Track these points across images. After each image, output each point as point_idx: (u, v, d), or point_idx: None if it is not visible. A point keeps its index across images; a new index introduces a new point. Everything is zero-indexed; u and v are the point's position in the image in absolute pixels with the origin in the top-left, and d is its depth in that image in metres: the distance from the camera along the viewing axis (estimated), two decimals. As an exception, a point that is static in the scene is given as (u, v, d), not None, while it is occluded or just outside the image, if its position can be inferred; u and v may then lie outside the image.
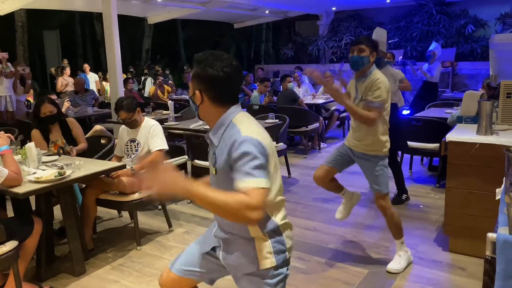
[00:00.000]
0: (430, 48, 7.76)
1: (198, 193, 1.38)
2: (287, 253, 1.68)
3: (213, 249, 1.79)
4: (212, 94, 1.57)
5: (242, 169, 1.44)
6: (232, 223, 1.61)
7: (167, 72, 12.87)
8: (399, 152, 5.24)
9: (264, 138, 1.54)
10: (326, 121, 7.72)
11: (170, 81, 10.89)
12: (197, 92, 1.58)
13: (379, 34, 4.38)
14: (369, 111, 2.81)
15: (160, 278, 1.92)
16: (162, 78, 9.65)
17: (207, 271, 1.84)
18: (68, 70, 9.66)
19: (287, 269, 1.71)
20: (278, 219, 1.66)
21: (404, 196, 4.52)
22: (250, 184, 1.40)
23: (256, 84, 8.92)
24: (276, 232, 1.65)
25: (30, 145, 3.19)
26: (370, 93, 2.82)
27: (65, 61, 10.18)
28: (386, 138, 2.94)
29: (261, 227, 1.60)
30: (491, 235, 1.33)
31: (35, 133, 3.84)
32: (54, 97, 5.71)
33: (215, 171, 1.58)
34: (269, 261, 1.62)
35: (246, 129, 1.52)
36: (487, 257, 1.34)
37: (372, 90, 2.81)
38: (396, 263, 3.06)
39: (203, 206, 1.43)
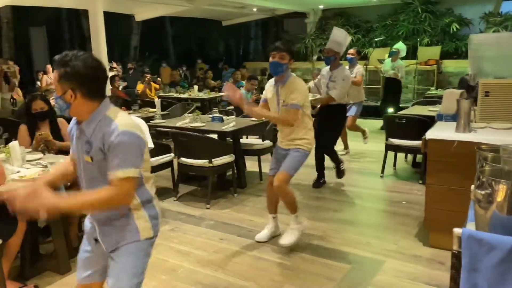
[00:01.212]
0: (396, 46, 7.94)
1: (70, 205, 1.70)
2: (159, 219, 1.93)
3: (95, 240, 1.91)
4: (84, 90, 1.69)
5: (114, 161, 1.65)
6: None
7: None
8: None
9: (139, 129, 1.73)
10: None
11: (158, 78, 10.86)
12: (69, 91, 1.68)
13: (336, 34, 4.70)
14: (288, 113, 3.18)
15: None
16: (150, 76, 9.62)
17: (102, 266, 1.93)
18: (50, 68, 9.60)
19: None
20: (150, 190, 1.89)
21: (342, 165, 5.00)
22: (120, 175, 1.65)
23: (243, 82, 8.94)
24: (149, 200, 1.88)
25: (14, 144, 3.19)
26: (291, 95, 3.17)
27: (49, 66, 10.10)
28: (309, 136, 3.34)
29: (137, 198, 1.82)
30: (457, 230, 1.39)
31: (22, 128, 3.84)
32: None
33: (91, 159, 1.73)
34: (147, 231, 1.85)
35: (123, 122, 1.70)
36: (453, 251, 1.40)
37: (293, 93, 3.17)
38: (287, 237, 3.36)
39: (83, 212, 1.63)
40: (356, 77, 5.99)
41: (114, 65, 11.32)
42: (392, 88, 7.89)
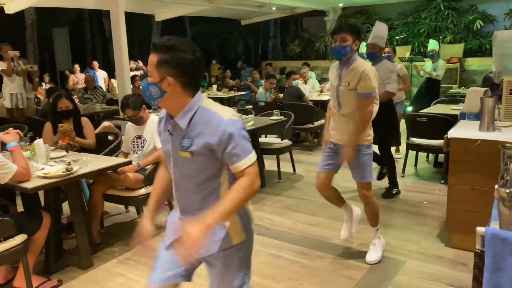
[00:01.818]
0: (432, 47, 7.59)
1: (218, 218, 1.54)
2: (252, 225, 1.85)
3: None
4: (186, 80, 1.56)
5: (234, 152, 1.54)
6: (201, 202, 1.67)
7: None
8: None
9: (238, 116, 1.63)
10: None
11: None
12: (169, 78, 1.54)
13: (379, 29, 4.37)
14: (364, 103, 2.89)
15: None
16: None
17: (184, 268, 1.78)
18: (78, 68, 9.79)
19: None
20: None
21: (395, 191, 4.60)
22: (247, 163, 1.56)
23: (262, 81, 8.95)
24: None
25: (39, 142, 3.27)
26: (362, 84, 2.86)
27: (76, 66, 10.32)
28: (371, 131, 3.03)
29: None
30: (480, 229, 1.36)
31: (47, 125, 3.98)
32: None
33: (191, 154, 1.59)
34: (238, 236, 1.74)
35: (224, 113, 1.58)
36: (476, 250, 1.38)
37: (364, 81, 2.86)
38: (373, 254, 3.13)
39: (228, 217, 1.60)
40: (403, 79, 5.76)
41: (140, 64, 11.45)
42: (429, 89, 7.38)
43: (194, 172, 1.64)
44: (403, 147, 5.39)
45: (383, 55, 5.64)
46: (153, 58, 1.55)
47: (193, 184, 1.67)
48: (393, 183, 4.60)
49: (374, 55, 4.33)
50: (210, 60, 15.27)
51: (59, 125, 3.78)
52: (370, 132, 3.03)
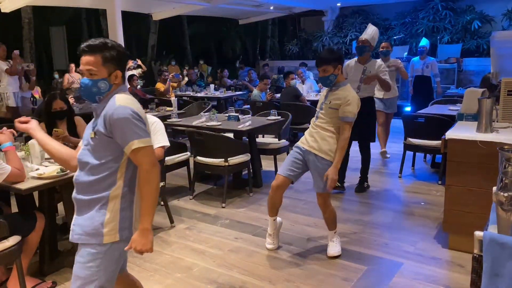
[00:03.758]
0: (423, 43, 7.71)
1: (149, 221, 1.80)
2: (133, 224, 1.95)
3: None
4: (123, 72, 1.87)
5: (121, 133, 1.74)
6: (90, 185, 1.83)
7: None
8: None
9: (138, 108, 1.83)
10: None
11: (180, 75, 10.92)
12: (118, 72, 1.82)
13: (375, 31, 4.66)
14: (344, 127, 3.11)
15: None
16: (167, 74, 9.68)
17: None
18: (73, 67, 9.74)
19: None
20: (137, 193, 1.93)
21: (366, 184, 4.81)
22: (139, 143, 1.74)
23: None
24: (130, 198, 1.89)
25: (34, 142, 3.24)
26: (343, 108, 3.08)
27: (72, 65, 10.24)
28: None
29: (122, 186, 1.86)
30: (478, 234, 1.34)
31: (41, 126, 3.91)
32: None
33: (94, 134, 1.80)
34: (114, 235, 1.85)
35: (120, 101, 1.78)
36: (474, 255, 1.36)
37: (345, 106, 3.08)
38: (334, 248, 3.28)
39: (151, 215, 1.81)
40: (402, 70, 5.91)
41: (139, 62, 11.38)
42: (422, 88, 7.49)
43: (95, 151, 1.82)
44: (400, 148, 5.38)
45: (381, 50, 5.76)
46: (95, 58, 1.77)
47: (89, 165, 1.83)
48: (366, 178, 4.79)
49: (363, 49, 4.57)
50: (198, 60, 15.15)
51: (54, 129, 3.74)
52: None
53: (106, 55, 1.78)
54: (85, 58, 1.78)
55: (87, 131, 1.88)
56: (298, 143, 3.33)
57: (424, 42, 7.85)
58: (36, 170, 2.98)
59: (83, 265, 1.81)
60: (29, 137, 3.63)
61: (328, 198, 3.23)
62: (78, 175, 1.87)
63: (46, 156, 3.37)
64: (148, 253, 1.82)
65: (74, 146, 3.80)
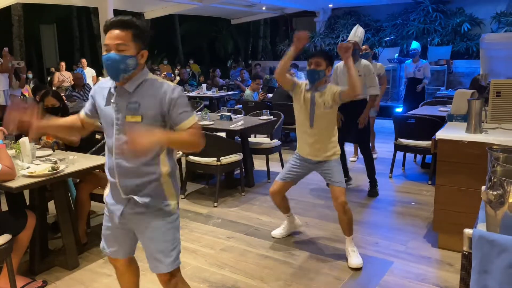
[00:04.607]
0: (414, 46, 7.80)
1: (169, 137, 1.78)
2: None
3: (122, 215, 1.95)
4: (147, 51, 1.83)
5: (181, 112, 1.78)
6: (142, 166, 1.85)
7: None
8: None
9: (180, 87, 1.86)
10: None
11: (172, 74, 10.90)
12: (145, 52, 1.80)
13: (361, 32, 4.67)
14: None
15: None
16: (159, 73, 9.67)
17: (127, 244, 2.11)
18: (63, 66, 9.67)
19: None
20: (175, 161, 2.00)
21: (377, 188, 4.73)
22: (193, 121, 1.81)
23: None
24: (175, 172, 1.98)
25: (24, 140, 3.21)
26: (337, 91, 3.08)
27: (62, 64, 10.15)
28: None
29: (169, 166, 1.92)
30: (467, 231, 1.37)
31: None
32: None
33: (141, 118, 1.78)
34: (175, 204, 1.96)
35: (169, 81, 1.84)
36: (464, 252, 1.38)
37: (336, 89, 3.09)
38: (356, 258, 3.13)
39: (171, 145, 1.85)
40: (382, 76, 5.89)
41: None
42: (415, 90, 7.51)
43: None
44: (390, 148, 5.42)
45: (362, 52, 5.81)
46: (126, 33, 1.72)
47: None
48: (375, 181, 4.72)
49: (354, 52, 4.46)
50: (187, 61, 15.09)
51: (42, 139, 3.75)
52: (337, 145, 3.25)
53: (136, 32, 1.74)
54: (115, 32, 1.71)
55: (111, 117, 1.84)
56: (304, 156, 3.25)
57: (414, 45, 7.96)
58: (27, 168, 2.96)
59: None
60: (19, 135, 3.61)
61: (345, 194, 3.15)
62: (121, 161, 1.85)
63: (37, 154, 3.35)
64: (129, 150, 1.66)
65: (64, 144, 3.80)
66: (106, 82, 1.90)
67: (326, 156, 3.18)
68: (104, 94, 1.88)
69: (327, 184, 3.28)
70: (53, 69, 11.74)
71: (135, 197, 1.88)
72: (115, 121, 1.82)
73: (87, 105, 2.01)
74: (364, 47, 5.95)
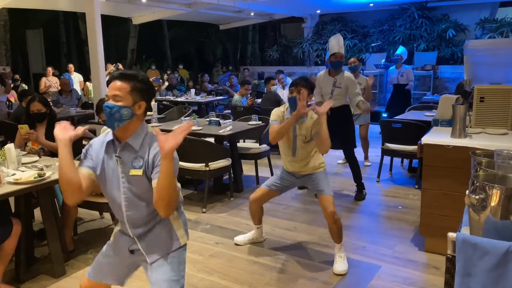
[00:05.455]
0: (398, 52, 7.94)
1: (172, 163, 1.68)
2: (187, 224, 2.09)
3: (131, 252, 1.98)
4: (147, 105, 1.89)
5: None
6: (149, 215, 1.92)
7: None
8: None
9: None
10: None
11: (161, 80, 10.85)
12: (143, 103, 1.85)
13: (342, 40, 4.65)
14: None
15: (82, 283, 2.10)
16: (152, 78, 9.63)
17: (123, 274, 2.07)
18: (50, 71, 9.57)
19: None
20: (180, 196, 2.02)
21: (364, 192, 4.79)
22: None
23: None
24: (180, 206, 2.04)
25: (10, 146, 3.18)
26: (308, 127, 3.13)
27: (49, 69, 10.02)
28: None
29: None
30: (451, 235, 1.39)
31: (26, 128, 3.87)
32: None
33: (143, 173, 1.83)
34: (184, 237, 2.02)
35: None
36: (448, 255, 1.41)
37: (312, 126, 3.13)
38: (342, 265, 3.14)
39: (164, 176, 1.70)
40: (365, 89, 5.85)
41: (121, 66, 11.28)
42: (399, 96, 7.67)
43: (145, 189, 1.85)
44: (378, 153, 5.48)
45: (350, 65, 5.82)
46: (124, 85, 1.81)
47: (144, 201, 1.87)
48: (362, 185, 4.77)
49: (340, 64, 4.57)
50: (177, 65, 15.06)
51: (18, 126, 3.70)
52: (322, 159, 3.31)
53: (136, 85, 1.83)
54: (115, 84, 1.82)
55: (115, 171, 1.87)
56: (291, 171, 3.33)
57: (399, 50, 8.07)
58: (13, 175, 2.93)
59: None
60: (4, 142, 3.57)
61: (334, 204, 3.16)
62: (131, 214, 1.91)
63: (23, 161, 3.32)
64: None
65: (49, 150, 3.75)
66: (100, 138, 1.95)
67: (313, 168, 3.24)
68: (102, 148, 1.91)
69: (315, 195, 3.29)
70: (17, 76, 11.57)
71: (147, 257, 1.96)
72: (121, 174, 1.87)
73: (86, 162, 1.92)
74: (352, 59, 5.98)
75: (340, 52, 4.51)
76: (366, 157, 6.12)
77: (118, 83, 1.81)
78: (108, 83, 1.87)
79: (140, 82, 1.84)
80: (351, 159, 4.75)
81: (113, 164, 1.87)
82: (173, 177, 1.71)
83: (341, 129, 4.58)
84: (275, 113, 3.28)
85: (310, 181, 3.29)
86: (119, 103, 1.79)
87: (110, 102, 1.81)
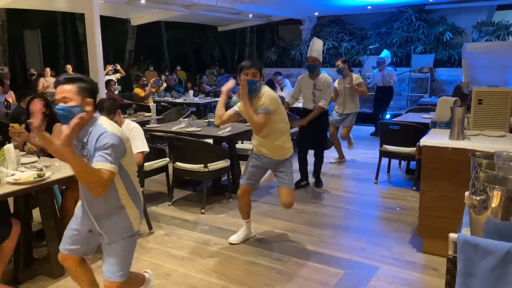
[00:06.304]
0: (382, 55, 8.20)
1: (73, 157, 1.88)
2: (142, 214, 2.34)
3: (90, 231, 2.24)
4: (95, 102, 2.14)
5: (99, 154, 1.97)
6: (104, 200, 2.12)
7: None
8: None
9: (120, 132, 2.09)
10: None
11: (160, 81, 10.84)
12: (90, 100, 2.07)
13: (318, 45, 4.93)
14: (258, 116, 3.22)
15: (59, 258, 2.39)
16: (145, 79, 9.61)
17: (89, 246, 2.33)
18: (48, 71, 9.56)
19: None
20: (137, 185, 2.25)
21: (303, 183, 5.18)
22: (103, 166, 1.95)
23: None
24: (137, 194, 2.25)
25: (9, 147, 3.17)
26: (259, 104, 3.25)
27: (47, 69, 10.00)
28: (289, 144, 3.46)
29: (128, 194, 2.18)
30: (452, 236, 1.40)
31: (17, 126, 3.86)
32: None
33: (87, 161, 2.02)
34: (137, 224, 2.24)
35: (109, 127, 2.06)
36: (449, 256, 1.42)
37: (260, 102, 3.25)
38: (235, 236, 3.61)
39: (73, 168, 1.94)
40: (361, 87, 6.02)
41: (118, 67, 11.27)
42: (383, 96, 8.14)
43: None
44: (375, 154, 5.49)
45: (340, 67, 5.99)
46: (70, 86, 2.04)
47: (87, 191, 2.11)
48: (319, 177, 5.20)
49: (314, 67, 4.87)
50: (175, 66, 15.06)
51: (10, 124, 3.69)
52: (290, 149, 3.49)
53: (81, 85, 2.05)
54: (61, 87, 2.04)
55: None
56: (265, 156, 3.46)
57: (383, 54, 8.37)
58: (12, 175, 2.92)
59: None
60: (3, 142, 3.56)
61: (293, 195, 3.51)
62: (88, 198, 2.17)
63: (22, 161, 3.31)
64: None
65: (48, 154, 3.74)
66: None
67: (282, 154, 3.42)
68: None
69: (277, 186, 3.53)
70: (33, 71, 11.57)
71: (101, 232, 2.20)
72: None
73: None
74: (338, 62, 6.18)
75: (311, 55, 4.81)
76: (341, 155, 6.38)
77: (65, 86, 2.04)
78: (55, 88, 2.08)
79: (84, 82, 2.07)
80: (318, 158, 5.16)
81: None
82: (79, 166, 1.91)
83: (315, 132, 4.95)
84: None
85: (280, 169, 3.46)
86: (69, 104, 2.02)
87: (61, 105, 2.03)
